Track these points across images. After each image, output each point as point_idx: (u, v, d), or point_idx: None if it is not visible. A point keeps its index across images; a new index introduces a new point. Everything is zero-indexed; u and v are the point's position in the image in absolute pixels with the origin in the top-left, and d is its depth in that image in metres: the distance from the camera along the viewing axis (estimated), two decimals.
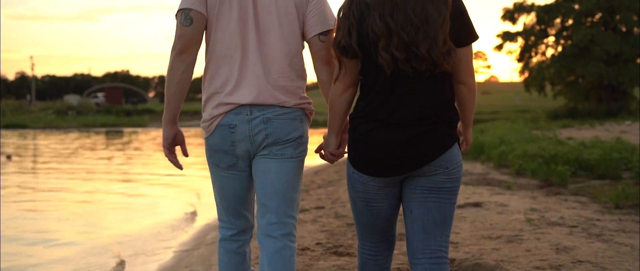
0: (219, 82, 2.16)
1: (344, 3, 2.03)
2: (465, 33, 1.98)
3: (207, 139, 2.22)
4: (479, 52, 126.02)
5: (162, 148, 2.29)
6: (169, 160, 2.28)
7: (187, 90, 2.19)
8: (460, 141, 2.15)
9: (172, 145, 2.27)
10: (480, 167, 9.17)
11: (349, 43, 1.98)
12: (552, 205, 5.21)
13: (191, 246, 4.85)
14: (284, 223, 2.19)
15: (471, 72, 2.04)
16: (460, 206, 5.12)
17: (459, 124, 2.13)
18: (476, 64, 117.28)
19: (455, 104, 2.06)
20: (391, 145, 1.95)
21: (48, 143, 20.75)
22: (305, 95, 2.24)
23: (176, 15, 2.13)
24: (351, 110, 2.12)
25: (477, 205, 5.13)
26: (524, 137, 12.59)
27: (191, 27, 2.11)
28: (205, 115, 2.21)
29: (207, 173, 2.38)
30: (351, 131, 2.06)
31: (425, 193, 2.03)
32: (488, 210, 4.92)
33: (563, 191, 6.30)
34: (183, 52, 2.11)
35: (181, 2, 2.13)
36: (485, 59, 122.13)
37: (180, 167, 2.30)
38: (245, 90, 2.13)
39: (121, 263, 4.35)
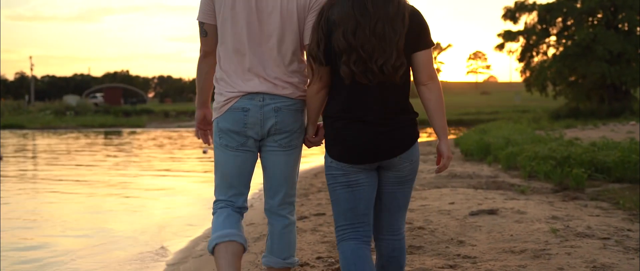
0: (231, 70, 2.45)
1: (316, 17, 2.33)
2: (423, 41, 2.26)
3: (217, 120, 2.48)
4: (478, 52, 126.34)
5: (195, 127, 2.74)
6: (199, 137, 2.72)
7: (211, 82, 2.57)
8: (438, 158, 2.37)
9: (203, 123, 2.70)
10: (488, 169, 8.79)
11: (317, 54, 2.27)
12: (573, 212, 4.83)
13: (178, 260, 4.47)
14: (289, 203, 2.58)
15: (430, 74, 2.27)
16: (473, 214, 4.74)
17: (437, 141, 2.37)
18: (475, 64, 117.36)
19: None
20: (365, 138, 2.24)
21: (40, 143, 20.37)
22: (306, 88, 2.48)
23: (199, 25, 2.53)
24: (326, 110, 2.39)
25: (492, 212, 4.74)
26: (530, 138, 12.21)
27: (207, 38, 2.51)
28: (217, 100, 2.49)
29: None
30: (328, 128, 2.33)
31: (394, 183, 2.36)
32: (505, 218, 4.53)
33: (580, 196, 5.92)
34: (206, 56, 2.54)
35: (199, 14, 2.50)
36: (485, 59, 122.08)
37: (207, 142, 2.71)
38: (257, 80, 2.42)
39: None
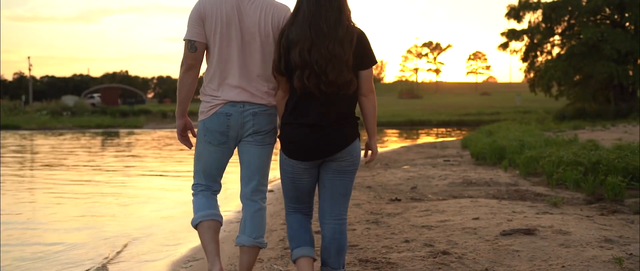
0: (216, 83, 2.90)
1: (279, 34, 2.74)
2: (367, 60, 2.71)
3: (204, 121, 2.91)
4: (478, 52, 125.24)
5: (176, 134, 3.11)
6: (182, 142, 3.08)
7: (193, 93, 2.97)
8: (366, 152, 2.88)
9: (184, 131, 3.07)
10: (505, 176, 8.05)
11: (278, 67, 2.71)
12: (623, 231, 4.10)
13: None
14: (261, 190, 2.99)
15: (371, 88, 2.76)
16: (506, 234, 4.01)
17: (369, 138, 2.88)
18: (475, 64, 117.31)
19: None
20: (309, 140, 2.68)
21: (32, 144, 19.65)
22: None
23: (185, 42, 2.87)
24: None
25: (528, 232, 4.01)
26: (543, 140, 11.49)
27: (196, 53, 2.88)
28: (204, 104, 2.91)
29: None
30: (281, 130, 2.79)
31: (335, 174, 2.79)
32: (546, 241, 3.80)
33: (620, 208, 5.19)
34: (190, 69, 2.89)
35: (186, 34, 2.87)
36: (485, 60, 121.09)
37: (189, 146, 3.10)
38: (240, 91, 2.87)
39: None
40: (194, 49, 2.85)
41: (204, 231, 2.88)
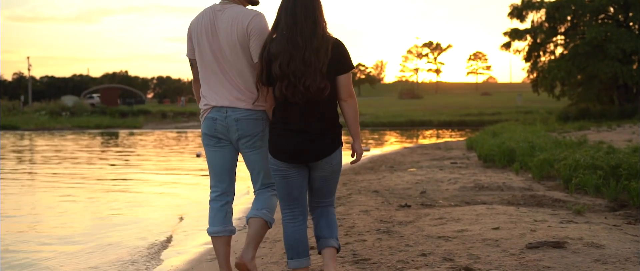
0: (206, 90, 3.19)
1: (261, 49, 2.98)
2: (344, 66, 2.93)
3: (201, 125, 3.25)
4: (478, 52, 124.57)
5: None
6: None
7: None
8: (352, 153, 3.10)
9: None
10: (518, 179, 7.71)
11: (261, 78, 2.96)
12: None
13: None
14: (269, 186, 3.27)
15: (350, 93, 2.97)
16: (533, 247, 3.67)
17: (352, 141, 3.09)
18: (476, 64, 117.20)
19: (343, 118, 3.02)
20: (293, 144, 2.92)
21: (23, 145, 19.32)
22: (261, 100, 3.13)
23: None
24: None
25: (558, 245, 3.67)
26: (552, 142, 11.16)
27: (193, 68, 3.27)
28: (201, 109, 3.24)
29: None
30: (270, 134, 3.04)
31: (320, 180, 3.06)
32: (578, 255, 3.46)
33: None
34: (195, 82, 3.30)
35: (186, 51, 3.26)
36: (485, 60, 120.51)
37: None
38: (222, 97, 3.14)
39: None
40: (191, 64, 3.24)
41: (215, 242, 3.25)
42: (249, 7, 3.13)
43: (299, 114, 2.86)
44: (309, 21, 2.84)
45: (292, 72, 2.81)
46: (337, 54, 2.87)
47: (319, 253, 3.07)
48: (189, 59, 3.21)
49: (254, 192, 3.28)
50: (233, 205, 3.30)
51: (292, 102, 2.84)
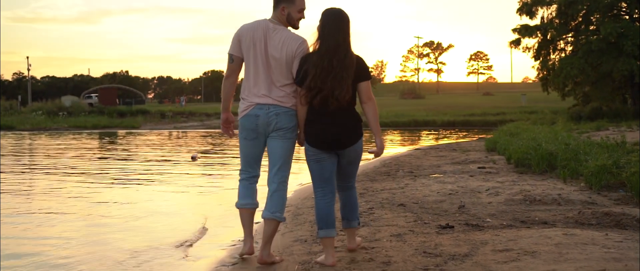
0: (249, 89, 3.84)
1: (299, 62, 3.74)
2: (364, 75, 3.69)
3: (240, 120, 3.87)
4: (479, 52, 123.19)
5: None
6: (223, 132, 4.12)
7: (231, 95, 4.06)
8: (372, 149, 3.77)
9: (226, 123, 4.09)
10: (571, 190, 6.52)
11: (298, 79, 3.71)
12: None
13: None
14: (282, 174, 3.87)
15: (369, 96, 3.72)
16: None
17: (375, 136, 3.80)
18: (476, 64, 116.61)
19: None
20: (329, 135, 3.65)
21: (20, 146, 18.20)
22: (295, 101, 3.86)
23: (228, 56, 3.92)
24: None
25: None
26: (587, 143, 10.01)
27: (233, 64, 3.91)
28: (241, 105, 3.87)
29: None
30: (306, 126, 3.75)
31: (346, 165, 3.81)
32: None
33: None
34: (228, 77, 3.96)
35: (230, 48, 3.89)
36: (486, 60, 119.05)
37: (230, 136, 4.14)
38: (266, 97, 3.80)
39: None
40: (232, 61, 3.88)
41: (242, 214, 3.97)
42: (290, 29, 3.86)
43: (332, 113, 3.64)
44: (345, 44, 3.61)
45: (327, 86, 3.57)
46: (359, 67, 3.66)
47: (342, 230, 3.91)
48: (230, 55, 3.87)
49: (268, 180, 3.88)
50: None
51: (325, 107, 3.62)
